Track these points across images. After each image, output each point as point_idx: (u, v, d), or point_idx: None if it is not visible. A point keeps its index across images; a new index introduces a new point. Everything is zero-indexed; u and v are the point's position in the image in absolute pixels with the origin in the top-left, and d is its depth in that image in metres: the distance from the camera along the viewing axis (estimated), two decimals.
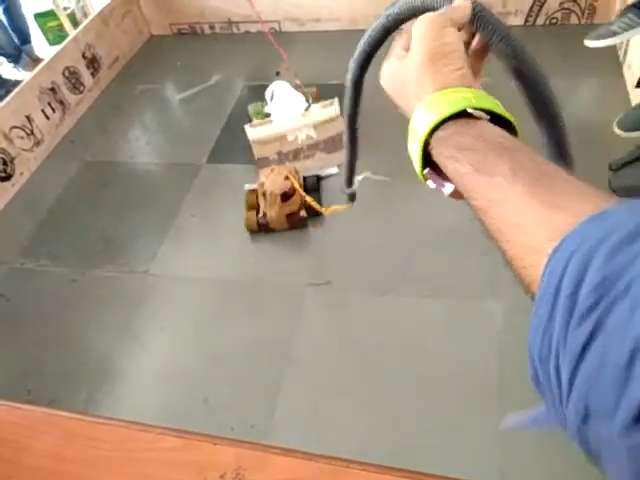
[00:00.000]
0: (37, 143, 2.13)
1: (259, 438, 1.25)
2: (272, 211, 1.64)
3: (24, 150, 2.06)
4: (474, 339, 1.35)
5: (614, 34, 1.74)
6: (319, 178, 1.83)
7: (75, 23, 3.09)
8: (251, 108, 2.07)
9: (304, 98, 1.98)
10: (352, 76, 0.60)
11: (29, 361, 1.48)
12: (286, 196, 1.63)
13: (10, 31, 3.23)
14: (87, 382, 1.41)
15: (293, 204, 1.65)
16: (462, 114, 0.37)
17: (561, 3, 2.27)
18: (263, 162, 1.93)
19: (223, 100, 2.30)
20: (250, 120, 2.01)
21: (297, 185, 1.65)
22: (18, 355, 1.51)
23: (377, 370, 1.34)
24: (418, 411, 1.25)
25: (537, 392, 0.28)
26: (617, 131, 1.74)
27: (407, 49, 0.43)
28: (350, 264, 1.58)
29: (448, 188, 0.39)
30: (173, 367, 1.41)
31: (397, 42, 0.45)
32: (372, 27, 0.52)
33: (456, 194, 0.39)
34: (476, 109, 0.37)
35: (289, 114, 1.95)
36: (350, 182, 0.98)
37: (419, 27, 0.41)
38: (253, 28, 2.64)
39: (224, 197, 1.81)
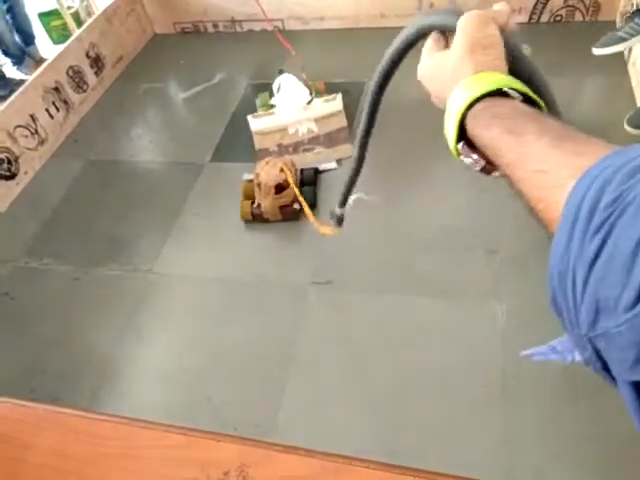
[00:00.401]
0: (41, 142, 2.13)
1: (263, 437, 1.25)
2: (266, 202, 1.66)
3: (28, 149, 2.07)
4: (477, 339, 1.35)
5: (621, 40, 1.74)
6: (317, 172, 1.83)
7: (79, 22, 3.10)
8: (258, 99, 2.09)
9: (308, 92, 1.98)
10: (371, 98, 0.64)
11: (32, 359, 1.49)
12: (280, 188, 1.65)
13: (14, 32, 3.24)
14: (90, 380, 1.41)
15: (286, 196, 1.66)
16: (498, 94, 0.40)
17: (565, 0, 2.25)
18: (263, 153, 1.94)
19: (227, 99, 2.30)
20: (256, 111, 2.02)
21: (290, 179, 1.65)
22: (21, 353, 1.51)
23: (380, 369, 1.33)
24: (421, 410, 1.25)
25: (556, 315, 0.30)
26: (628, 129, 1.73)
27: (439, 48, 0.49)
28: (351, 262, 1.58)
29: (480, 162, 0.42)
30: (176, 366, 1.41)
31: (428, 42, 0.51)
32: (396, 43, 0.55)
33: (487, 168, 0.42)
34: (511, 89, 0.41)
35: (292, 107, 1.96)
36: (344, 202, 0.99)
37: (465, 20, 0.45)
38: (257, 27, 2.64)
39: (227, 195, 1.81)
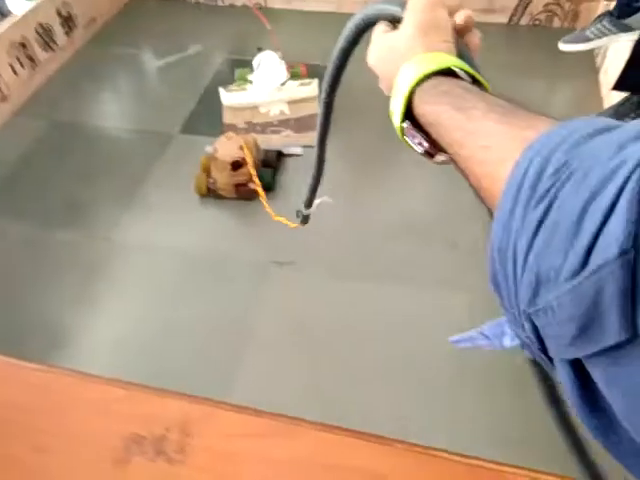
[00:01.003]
0: (3, 99, 2.04)
1: None
2: (221, 178, 1.63)
3: None
4: (436, 329, 1.36)
5: (587, 40, 1.76)
6: (280, 154, 1.80)
7: None
8: (237, 73, 2.05)
9: (285, 72, 1.95)
10: (325, 95, 0.64)
11: None
12: (237, 165, 1.62)
13: None
14: (38, 345, 1.37)
15: (243, 175, 1.63)
16: (447, 75, 0.40)
17: (545, 5, 2.29)
18: (231, 129, 1.90)
19: (201, 71, 2.25)
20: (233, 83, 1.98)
21: (249, 158, 1.62)
22: None
23: (335, 352, 1.33)
24: (373, 395, 1.25)
25: (495, 294, 0.28)
26: None
27: (386, 32, 0.48)
28: (315, 246, 1.57)
29: (423, 143, 0.41)
30: (129, 336, 1.37)
31: (378, 27, 0.50)
32: (344, 34, 0.54)
33: (431, 151, 0.41)
34: (461, 70, 0.40)
35: (267, 86, 1.93)
36: (310, 204, 0.99)
37: (415, 3, 0.44)
38: (238, 1, 2.59)
39: (193, 169, 1.76)
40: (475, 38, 0.46)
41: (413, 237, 1.56)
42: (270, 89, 1.94)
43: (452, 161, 0.37)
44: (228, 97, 1.96)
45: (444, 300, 1.42)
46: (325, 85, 0.63)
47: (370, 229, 1.60)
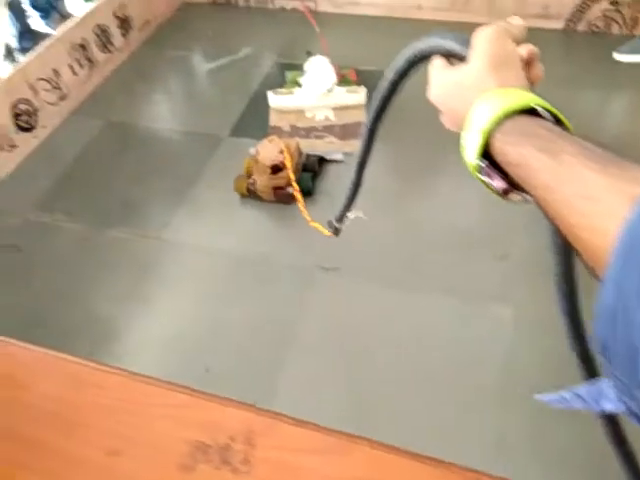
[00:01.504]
0: (62, 98, 2.12)
1: None
2: (261, 180, 1.65)
3: (48, 103, 2.06)
4: (481, 342, 1.34)
5: None
6: (322, 160, 1.80)
7: None
8: (288, 75, 2.07)
9: (334, 78, 1.96)
10: (371, 123, 0.64)
11: (34, 313, 1.49)
12: (276, 169, 1.64)
13: None
14: (89, 339, 1.42)
15: (282, 178, 1.64)
16: (527, 112, 0.38)
17: (604, 11, 2.22)
18: (276, 131, 1.93)
19: (251, 75, 2.28)
20: (283, 86, 2.00)
21: (289, 162, 1.63)
22: (23, 306, 1.51)
23: (380, 361, 1.33)
24: (416, 408, 1.24)
25: (601, 355, 0.27)
26: None
27: (450, 67, 0.48)
28: (360, 252, 1.57)
29: (499, 182, 0.40)
30: (178, 334, 1.41)
31: (436, 62, 0.50)
32: (395, 66, 0.55)
33: (507, 190, 0.40)
34: (542, 109, 0.39)
35: (314, 90, 1.94)
36: (342, 219, 0.99)
37: (482, 36, 0.44)
38: (288, 5, 2.61)
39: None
40: (539, 71, 0.45)
41: (460, 248, 1.54)
42: (317, 94, 1.95)
43: (535, 203, 0.36)
44: (275, 99, 1.99)
45: (490, 313, 1.39)
46: (371, 113, 0.64)
47: (417, 239, 1.58)
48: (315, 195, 1.71)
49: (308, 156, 1.78)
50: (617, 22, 2.24)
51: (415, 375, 1.29)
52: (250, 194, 1.69)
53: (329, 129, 1.92)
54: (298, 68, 2.13)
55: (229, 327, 1.41)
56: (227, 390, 1.30)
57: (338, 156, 1.83)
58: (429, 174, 1.77)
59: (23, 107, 1.94)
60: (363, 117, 1.90)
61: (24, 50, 3.05)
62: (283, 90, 2.01)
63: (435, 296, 1.43)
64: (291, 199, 1.65)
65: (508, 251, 1.52)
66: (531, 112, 0.39)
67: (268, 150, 1.66)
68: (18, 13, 2.97)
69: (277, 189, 1.66)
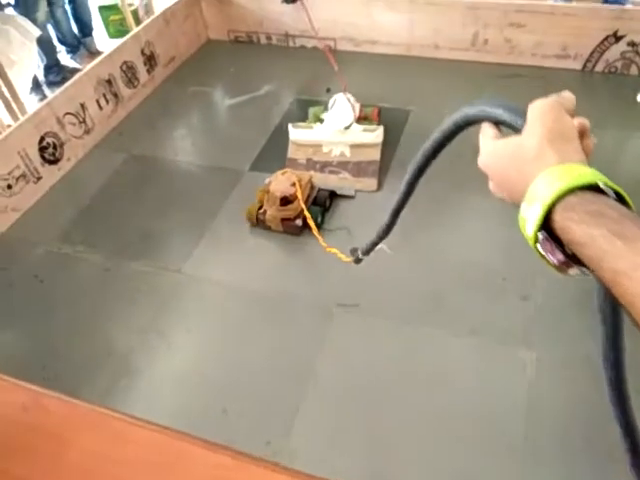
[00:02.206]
0: (87, 131, 2.17)
1: (273, 456, 1.23)
2: (270, 210, 1.69)
3: (74, 137, 2.10)
4: (503, 385, 1.31)
5: None
6: (333, 194, 1.83)
7: (137, 19, 3.18)
8: (312, 110, 2.11)
9: (352, 115, 1.98)
10: (410, 178, 0.67)
11: (53, 345, 1.49)
12: (285, 201, 1.67)
13: (73, 21, 3.35)
14: (107, 374, 1.41)
15: (290, 210, 1.68)
16: (587, 188, 0.39)
17: (623, 52, 2.24)
18: (292, 163, 1.97)
19: (271, 111, 2.32)
20: (305, 121, 2.06)
21: (300, 194, 1.67)
22: (42, 338, 1.51)
23: (399, 403, 1.31)
24: (435, 453, 1.21)
25: None
26: None
27: (498, 137, 0.49)
28: (379, 289, 1.56)
29: (558, 255, 0.41)
30: (195, 371, 1.40)
31: (486, 131, 0.51)
32: (443, 128, 0.57)
33: (566, 264, 0.40)
34: (606, 186, 0.39)
35: (332, 126, 1.97)
36: (368, 253, 1.06)
37: (538, 109, 0.45)
38: (309, 43, 2.67)
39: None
40: (591, 143, 0.45)
41: (481, 287, 1.53)
42: (334, 130, 1.98)
43: (597, 280, 0.36)
44: (294, 133, 2.03)
45: (511, 354, 1.37)
46: (413, 169, 0.66)
47: (438, 276, 1.57)
48: (322, 228, 1.73)
49: (320, 190, 1.81)
50: (636, 63, 2.25)
51: (435, 419, 1.27)
52: (259, 223, 1.74)
53: (343, 165, 1.94)
54: (317, 104, 2.17)
55: (247, 365, 1.40)
56: (243, 431, 1.29)
57: (350, 192, 1.86)
58: (450, 211, 1.77)
59: (50, 140, 1.98)
60: (377, 156, 1.91)
61: (51, 84, 3.16)
62: (303, 124, 2.05)
63: (456, 336, 1.41)
64: (298, 231, 1.70)
65: (529, 292, 1.51)
66: (593, 187, 0.39)
67: (280, 182, 1.71)
68: (47, 48, 3.09)
69: (285, 220, 1.70)
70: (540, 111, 0.44)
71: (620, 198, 0.39)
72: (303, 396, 1.32)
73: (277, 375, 1.38)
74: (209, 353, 1.44)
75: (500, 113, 0.48)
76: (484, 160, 0.50)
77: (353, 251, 1.14)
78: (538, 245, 0.42)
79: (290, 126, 2.04)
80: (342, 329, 1.47)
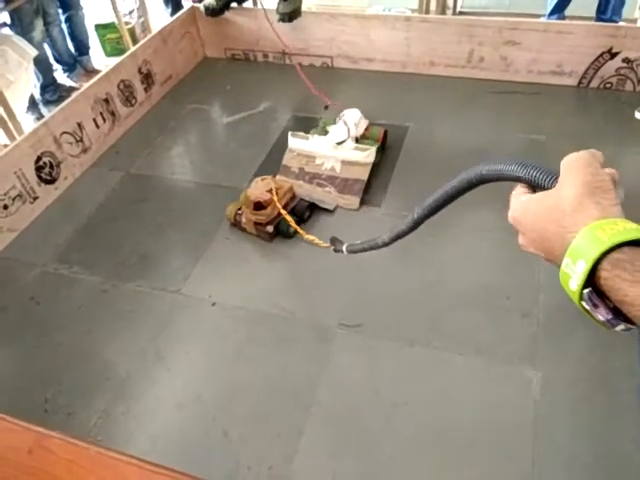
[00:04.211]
0: (84, 150, 2.16)
1: None
2: (245, 213, 1.75)
3: (71, 156, 2.09)
4: (509, 405, 1.29)
5: None
6: (312, 206, 1.85)
7: (134, 38, 3.20)
8: (321, 121, 2.13)
9: (347, 132, 1.98)
10: (418, 217, 0.71)
11: (50, 368, 1.46)
12: (258, 206, 1.72)
13: (69, 41, 3.35)
14: (105, 398, 1.38)
15: (262, 215, 1.72)
16: (633, 243, 0.38)
17: (617, 69, 2.26)
18: (285, 170, 2.00)
19: (269, 128, 2.32)
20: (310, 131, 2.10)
21: (277, 202, 1.71)
22: (40, 361, 1.49)
23: (403, 424, 1.28)
24: (442, 475, 1.19)
25: None
26: None
27: (527, 193, 0.49)
28: (382, 309, 1.54)
29: (605, 312, 0.39)
30: (195, 395, 1.37)
31: (520, 189, 0.51)
32: (468, 177, 0.58)
33: (611, 320, 0.39)
34: None
35: (328, 140, 1.98)
36: (354, 252, 1.10)
37: (574, 163, 0.45)
38: (306, 61, 2.68)
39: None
40: (621, 195, 0.45)
41: (484, 306, 1.51)
42: (328, 144, 1.99)
43: None
44: (292, 141, 2.06)
45: (516, 374, 1.35)
46: (423, 211, 0.70)
47: (440, 295, 1.56)
48: (294, 238, 1.76)
49: (300, 200, 1.82)
50: (631, 79, 2.27)
51: (441, 441, 1.24)
52: (237, 224, 1.80)
53: (331, 180, 1.94)
54: (314, 121, 2.17)
55: (248, 387, 1.37)
56: (245, 455, 1.26)
57: (329, 206, 1.87)
58: (452, 230, 1.76)
59: (46, 160, 1.97)
60: (364, 176, 1.91)
61: (48, 103, 3.16)
62: (301, 134, 2.06)
63: (460, 355, 1.40)
64: (269, 237, 1.75)
65: (532, 309, 1.49)
66: (637, 242, 0.38)
67: (258, 187, 1.76)
68: (43, 67, 3.09)
69: (257, 224, 1.74)
70: (576, 164, 0.44)
71: None
72: (305, 418, 1.30)
73: (279, 397, 1.35)
74: (209, 375, 1.42)
75: (536, 175, 0.48)
76: (516, 215, 0.50)
77: (333, 240, 1.24)
78: (583, 302, 0.41)
79: (290, 134, 2.05)
80: (344, 350, 1.45)
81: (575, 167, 0.44)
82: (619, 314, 0.38)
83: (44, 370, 1.46)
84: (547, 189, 0.47)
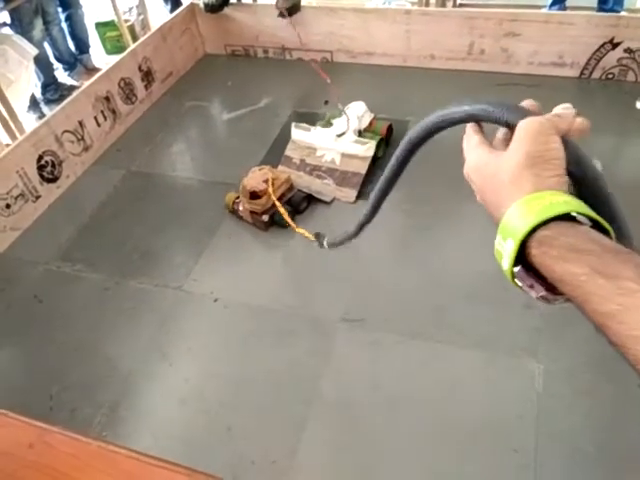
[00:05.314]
0: (86, 149, 2.16)
1: (279, 475, 1.21)
2: (242, 202, 1.78)
3: (73, 154, 2.10)
4: (511, 398, 1.30)
5: None
6: (310, 198, 1.86)
7: (134, 35, 3.19)
8: (328, 114, 2.13)
9: (346, 125, 1.98)
10: (400, 158, 0.61)
11: (54, 366, 1.47)
12: (254, 195, 1.73)
13: (70, 39, 3.35)
14: (109, 395, 1.39)
15: (258, 205, 1.74)
16: (561, 217, 0.37)
17: (619, 59, 2.24)
18: (287, 161, 2.01)
19: (270, 124, 2.31)
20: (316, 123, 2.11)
21: (272, 192, 1.73)
22: (44, 359, 1.50)
23: (406, 418, 1.29)
24: (446, 467, 1.19)
25: None
26: None
27: (488, 147, 0.45)
28: (384, 303, 1.54)
29: (538, 289, 0.39)
30: (198, 390, 1.38)
31: (472, 137, 0.47)
32: (435, 118, 0.51)
33: (546, 296, 0.39)
34: (580, 215, 0.37)
35: (329, 133, 1.98)
36: (334, 246, 1.10)
37: (526, 128, 0.41)
38: (306, 56, 2.67)
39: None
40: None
41: (485, 298, 1.51)
42: (328, 136, 1.99)
43: (597, 326, 0.34)
44: (295, 132, 2.06)
45: (519, 366, 1.35)
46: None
47: (441, 288, 1.56)
48: (288, 229, 1.76)
49: (297, 191, 1.84)
50: (633, 70, 2.26)
51: (444, 433, 1.25)
52: (234, 212, 1.83)
53: (331, 172, 1.95)
54: (315, 117, 2.17)
55: (251, 382, 1.38)
56: (249, 449, 1.27)
57: (326, 198, 1.88)
58: (451, 220, 1.76)
59: (48, 159, 1.98)
60: (363, 170, 1.91)
61: (49, 102, 3.16)
62: (304, 125, 2.06)
63: (462, 348, 1.40)
64: (264, 226, 1.77)
65: (533, 300, 1.49)
66: (568, 217, 0.37)
67: (254, 177, 1.77)
68: (44, 66, 3.09)
69: (253, 213, 1.76)
70: (526, 131, 0.41)
71: (597, 224, 0.37)
72: (308, 413, 1.30)
73: (281, 392, 1.36)
74: (211, 371, 1.42)
75: (516, 119, 0.43)
76: (467, 173, 0.48)
77: (317, 235, 1.25)
78: (516, 280, 0.40)
79: (293, 125, 2.06)
80: (347, 344, 1.45)
81: (524, 134, 0.41)
82: (554, 290, 0.37)
83: (48, 368, 1.47)
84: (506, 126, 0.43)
